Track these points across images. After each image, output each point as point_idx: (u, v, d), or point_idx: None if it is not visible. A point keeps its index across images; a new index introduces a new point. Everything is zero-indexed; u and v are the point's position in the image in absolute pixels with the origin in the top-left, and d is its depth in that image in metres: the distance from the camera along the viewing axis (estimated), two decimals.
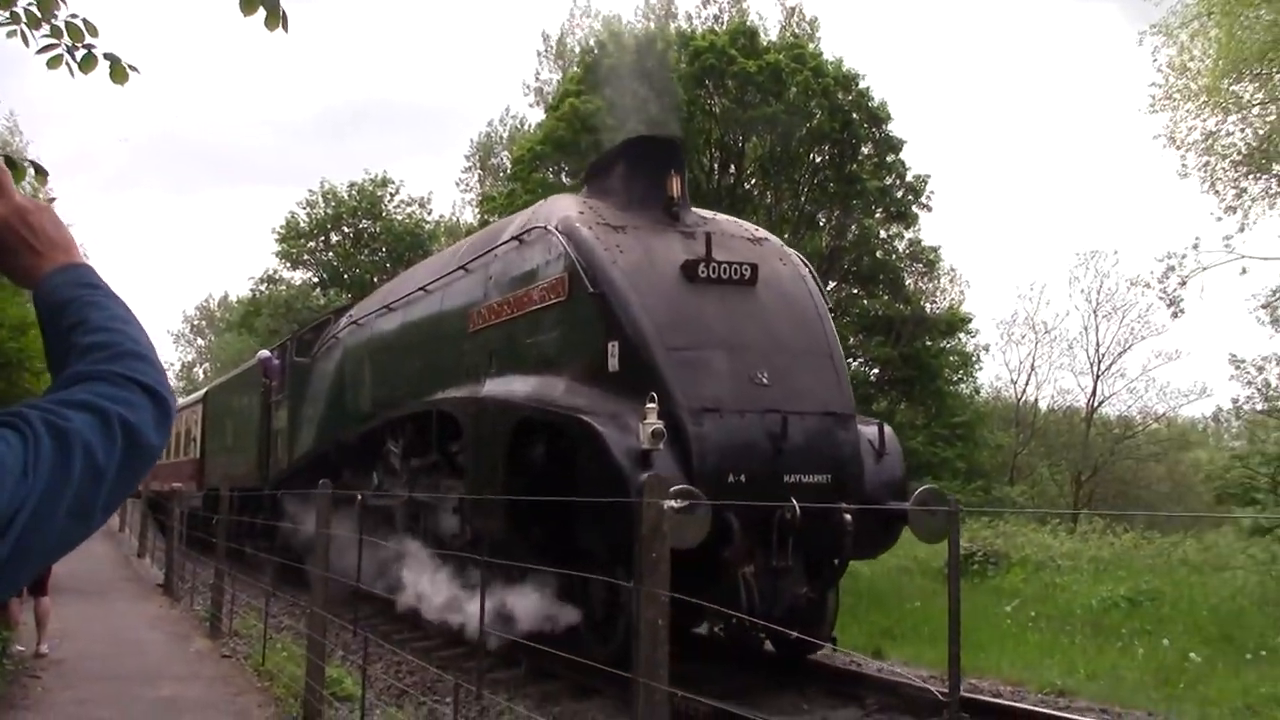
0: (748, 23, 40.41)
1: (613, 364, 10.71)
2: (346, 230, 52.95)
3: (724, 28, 41.49)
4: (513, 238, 12.65)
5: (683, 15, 49.57)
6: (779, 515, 10.07)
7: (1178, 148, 27.45)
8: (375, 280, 45.47)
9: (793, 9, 48.37)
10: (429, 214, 56.43)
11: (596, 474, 10.01)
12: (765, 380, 10.59)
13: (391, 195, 54.03)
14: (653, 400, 9.92)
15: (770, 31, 43.97)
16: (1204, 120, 26.89)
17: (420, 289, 15.28)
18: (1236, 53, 25.03)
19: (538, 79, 57.64)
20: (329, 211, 52.81)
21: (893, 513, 10.68)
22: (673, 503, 8.35)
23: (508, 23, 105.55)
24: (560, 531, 10.88)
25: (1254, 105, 26.52)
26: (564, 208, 12.22)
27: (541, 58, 58.20)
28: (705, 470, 10.08)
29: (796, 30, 45.81)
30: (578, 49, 50.64)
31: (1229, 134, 27.05)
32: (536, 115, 52.65)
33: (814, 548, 10.56)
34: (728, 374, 10.55)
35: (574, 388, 10.96)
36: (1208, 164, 26.99)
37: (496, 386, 12.42)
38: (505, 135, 61.72)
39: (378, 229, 52.75)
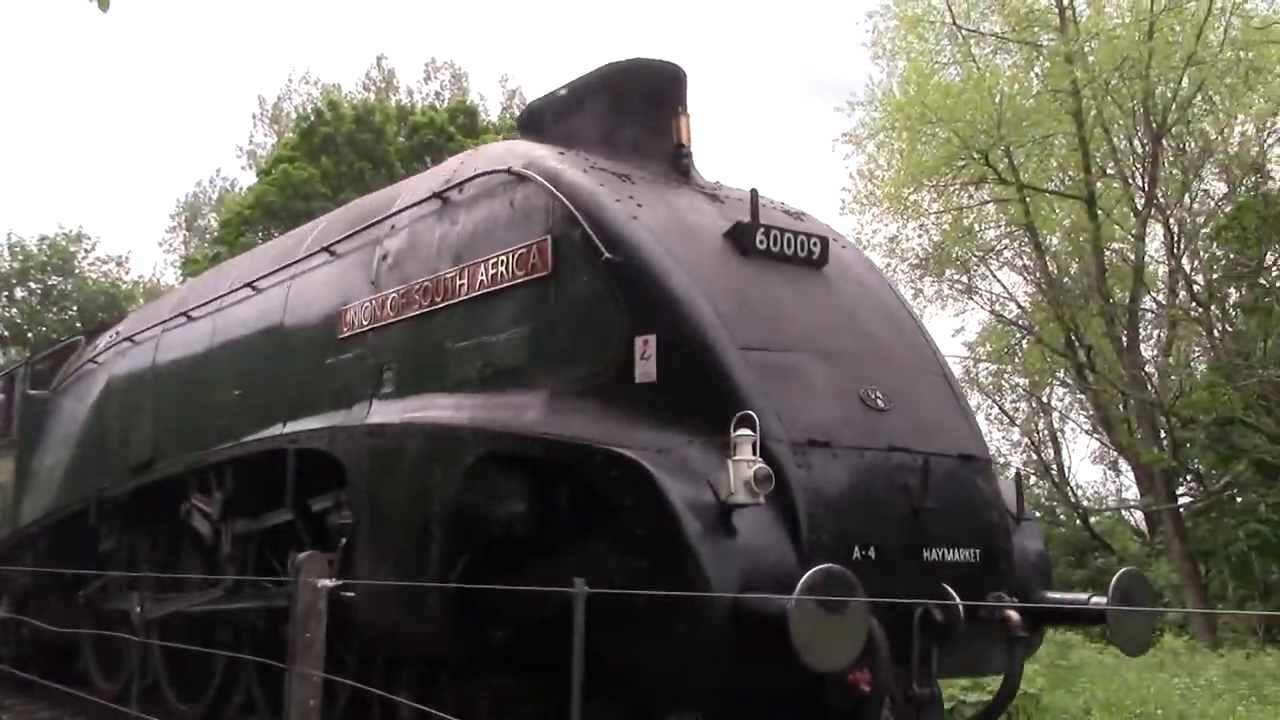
0: (468, 101, 40.57)
1: (644, 370, 6.47)
2: (34, 286, 49.42)
3: (445, 105, 41.29)
4: (434, 195, 8.29)
5: (403, 89, 49.40)
6: (919, 615, 6.52)
7: (864, 248, 27.31)
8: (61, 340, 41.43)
9: (514, 91, 49.25)
10: (126, 273, 53.78)
11: (639, 545, 5.90)
12: (881, 403, 6.86)
13: (86, 252, 51.10)
14: (748, 426, 6.19)
15: (491, 112, 44.36)
16: (887, 225, 29.85)
17: (246, 286, 10.94)
18: (916, 165, 28.28)
19: (251, 142, 56.20)
20: (15, 265, 49.19)
21: (1079, 612, 7.32)
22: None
23: (220, 83, 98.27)
24: (547, 640, 6.91)
25: (930, 214, 29.88)
26: (527, 149, 8.13)
27: (256, 120, 56.60)
28: (821, 541, 6.44)
29: (517, 112, 45.48)
30: (294, 114, 49.05)
31: (908, 239, 30.10)
32: (248, 178, 50.85)
33: (967, 662, 7.07)
34: (829, 390, 6.60)
35: (566, 408, 6.73)
36: (889, 265, 29.13)
37: (398, 411, 8.37)
38: (214, 196, 60.02)
39: (69, 286, 49.38)
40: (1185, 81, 25.95)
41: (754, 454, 5.82)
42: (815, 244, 7.44)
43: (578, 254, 6.98)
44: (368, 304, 8.74)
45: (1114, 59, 25.43)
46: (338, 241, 9.38)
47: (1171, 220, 28.48)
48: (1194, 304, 28.04)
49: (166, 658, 10.95)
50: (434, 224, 8.31)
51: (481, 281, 7.65)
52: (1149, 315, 30.34)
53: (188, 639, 10.22)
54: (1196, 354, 31.22)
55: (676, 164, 8.09)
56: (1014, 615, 6.39)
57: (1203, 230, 29.07)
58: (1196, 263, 29.36)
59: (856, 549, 6.09)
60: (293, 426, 9.31)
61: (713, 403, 6.23)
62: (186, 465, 10.61)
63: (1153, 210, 27.81)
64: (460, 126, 36.51)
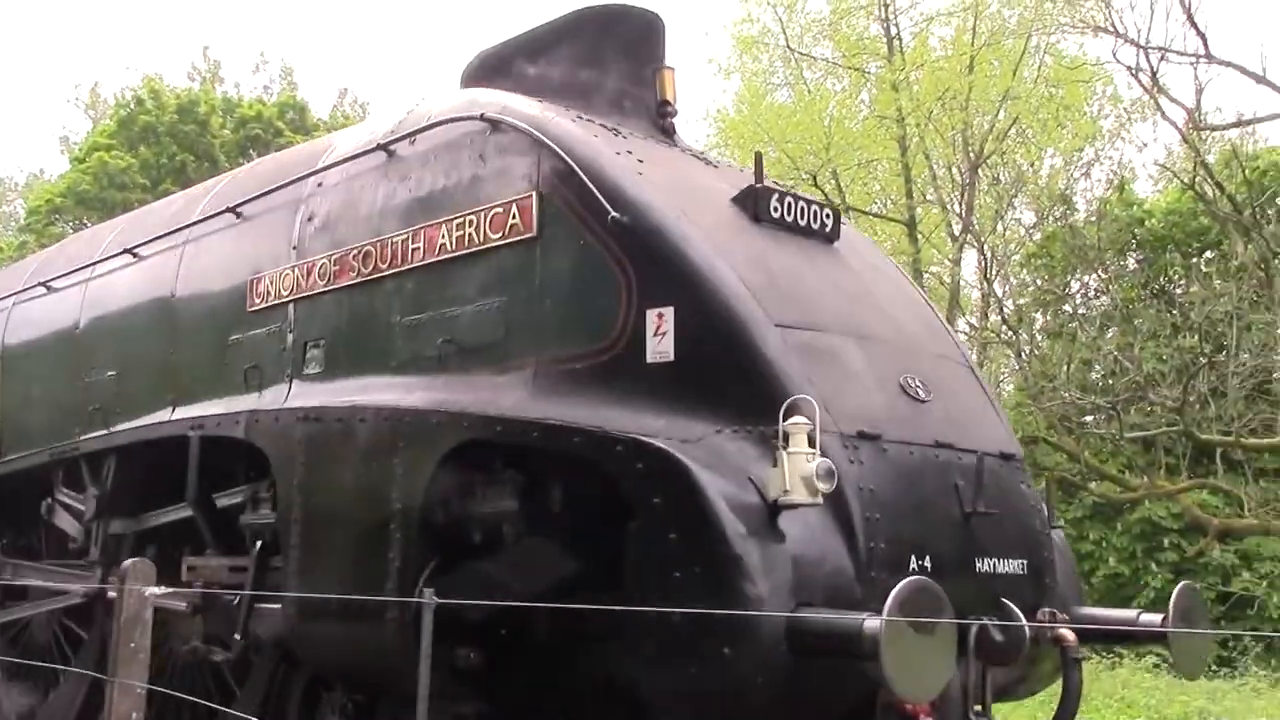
0: (297, 97, 39.39)
1: (658, 348, 5.49)
2: None
3: (274, 99, 40.06)
4: (379, 147, 7.10)
5: (230, 82, 47.29)
6: (974, 636, 5.64)
7: None
8: None
9: (344, 89, 47.44)
10: None
11: (670, 553, 4.90)
12: (923, 393, 5.93)
13: None
14: (803, 413, 5.25)
15: (321, 109, 42.59)
16: None
17: (125, 253, 9.50)
18: None
19: (64, 128, 54.00)
20: None
21: (1137, 632, 6.52)
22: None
23: (33, 66, 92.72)
24: (531, 663, 5.86)
25: None
26: (498, 96, 6.87)
27: (72, 106, 54.31)
28: (879, 549, 5.48)
29: (349, 110, 44.10)
30: (113, 101, 44.93)
31: None
32: (60, 165, 47.64)
33: (1010, 683, 6.23)
34: (871, 377, 5.74)
35: (555, 391, 5.70)
36: None
37: (329, 394, 7.18)
38: (20, 183, 55.76)
39: None
40: (1002, 114, 26.67)
41: (809, 445, 4.95)
42: (828, 216, 6.59)
43: (571, 213, 5.97)
44: (288, 272, 7.55)
45: (936, 90, 25.93)
46: (246, 202, 8.13)
47: (985, 246, 28.82)
48: (1004, 327, 28.47)
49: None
50: (377, 180, 7.16)
51: (442, 246, 6.56)
52: (963, 336, 30.38)
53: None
54: (1005, 375, 32.04)
55: (660, 123, 7.14)
56: (1070, 634, 5.66)
57: (1013, 257, 29.73)
58: (1007, 288, 29.99)
59: (913, 558, 5.26)
60: (185, 412, 8.03)
61: (746, 386, 5.31)
62: (52, 455, 9.16)
63: (969, 236, 28.24)
64: (289, 122, 34.94)
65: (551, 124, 6.28)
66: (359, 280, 7.03)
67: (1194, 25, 18.03)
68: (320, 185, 7.59)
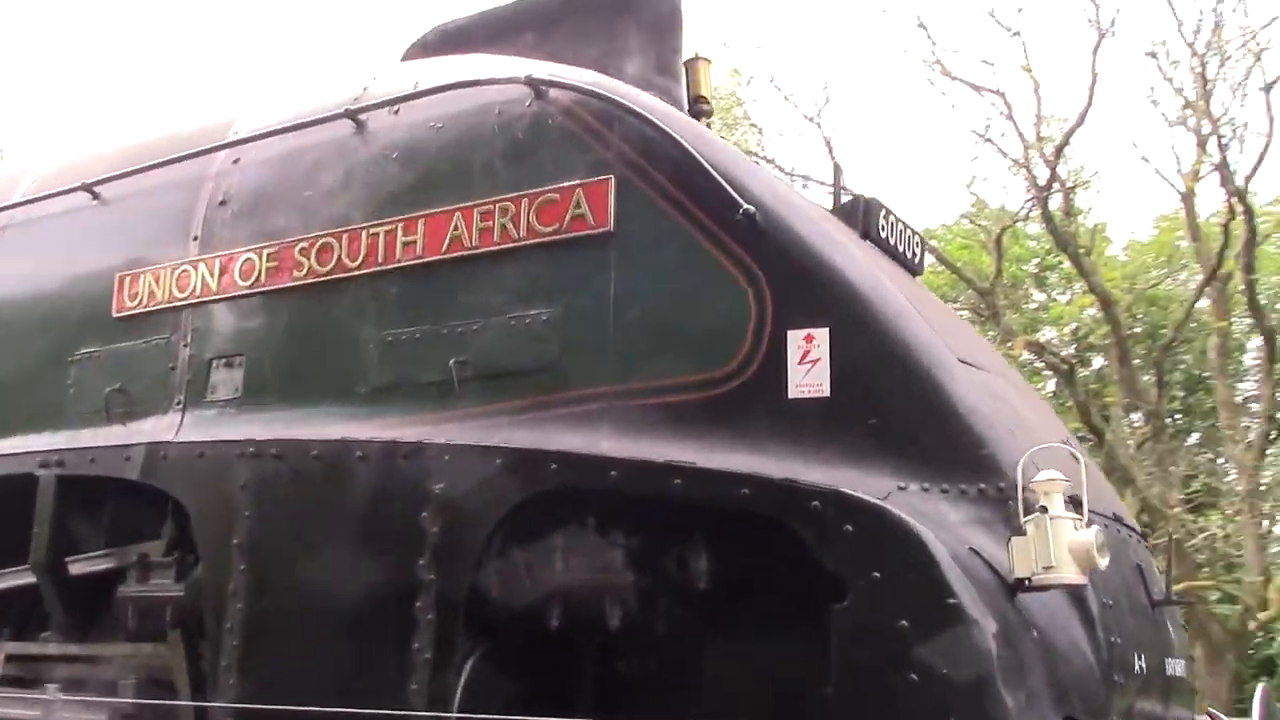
0: None
1: (806, 379, 4.16)
2: None
3: None
4: (346, 114, 5.36)
5: None
6: None
7: None
8: None
9: None
10: None
11: (898, 647, 3.66)
12: (1078, 453, 5.08)
13: None
14: (1052, 468, 4.00)
15: None
16: None
17: None
18: None
19: None
20: None
21: None
22: None
23: None
24: None
25: None
26: (531, 64, 5.15)
27: None
28: (1116, 645, 4.20)
29: None
30: None
31: None
32: None
33: None
34: (1042, 428, 4.72)
35: (642, 433, 4.27)
36: None
37: (256, 429, 5.37)
38: None
39: None
40: None
41: (1074, 509, 3.82)
42: (918, 244, 5.57)
43: (668, 204, 4.59)
44: (184, 269, 5.75)
45: None
46: (109, 180, 6.24)
47: None
48: None
49: None
50: (338, 156, 5.46)
51: (456, 240, 5.04)
52: None
53: None
54: None
55: (696, 118, 5.93)
56: None
57: None
58: None
59: (1136, 657, 4.21)
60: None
61: (938, 433, 4.10)
62: None
63: None
64: None
65: (627, 92, 4.95)
66: (309, 281, 5.35)
67: None
68: (238, 162, 5.84)
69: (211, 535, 4.96)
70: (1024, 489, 3.81)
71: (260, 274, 5.48)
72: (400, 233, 5.14)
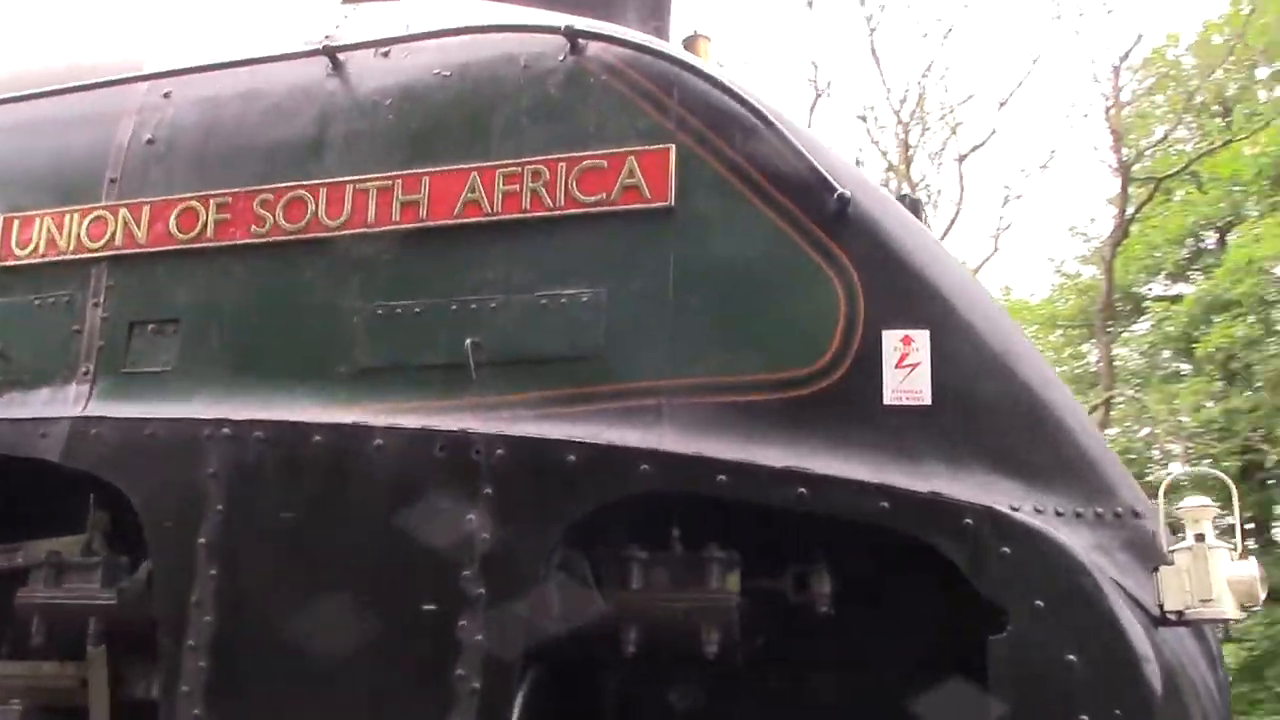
0: None
1: (906, 385, 3.73)
2: None
3: None
4: (322, 51, 4.59)
5: None
6: None
7: None
8: None
9: None
10: None
11: (1068, 685, 3.29)
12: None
13: None
14: (1197, 495, 3.65)
15: None
16: None
17: None
18: None
19: None
20: None
21: None
22: None
23: None
24: None
25: None
26: (552, 15, 4.49)
27: None
28: (1224, 678, 4.00)
29: None
30: None
31: None
32: None
33: None
34: None
35: (709, 434, 3.76)
36: None
37: (188, 407, 4.41)
38: None
39: None
40: None
41: (1218, 539, 3.54)
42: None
43: (739, 181, 4.08)
44: (100, 215, 4.80)
45: None
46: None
47: None
48: None
49: None
50: (307, 99, 4.63)
51: (474, 204, 4.36)
52: None
53: None
54: None
55: None
56: None
57: None
58: None
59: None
60: None
61: (1059, 453, 3.78)
62: None
63: None
64: None
65: (690, 61, 4.40)
66: (273, 238, 4.54)
67: None
68: (169, 96, 4.94)
69: (166, 532, 4.08)
70: (1165, 515, 3.52)
71: (206, 227, 4.62)
72: (399, 190, 4.42)
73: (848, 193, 3.94)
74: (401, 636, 3.74)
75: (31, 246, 4.85)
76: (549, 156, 4.28)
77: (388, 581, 3.79)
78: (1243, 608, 3.44)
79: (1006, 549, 3.39)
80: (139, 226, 4.70)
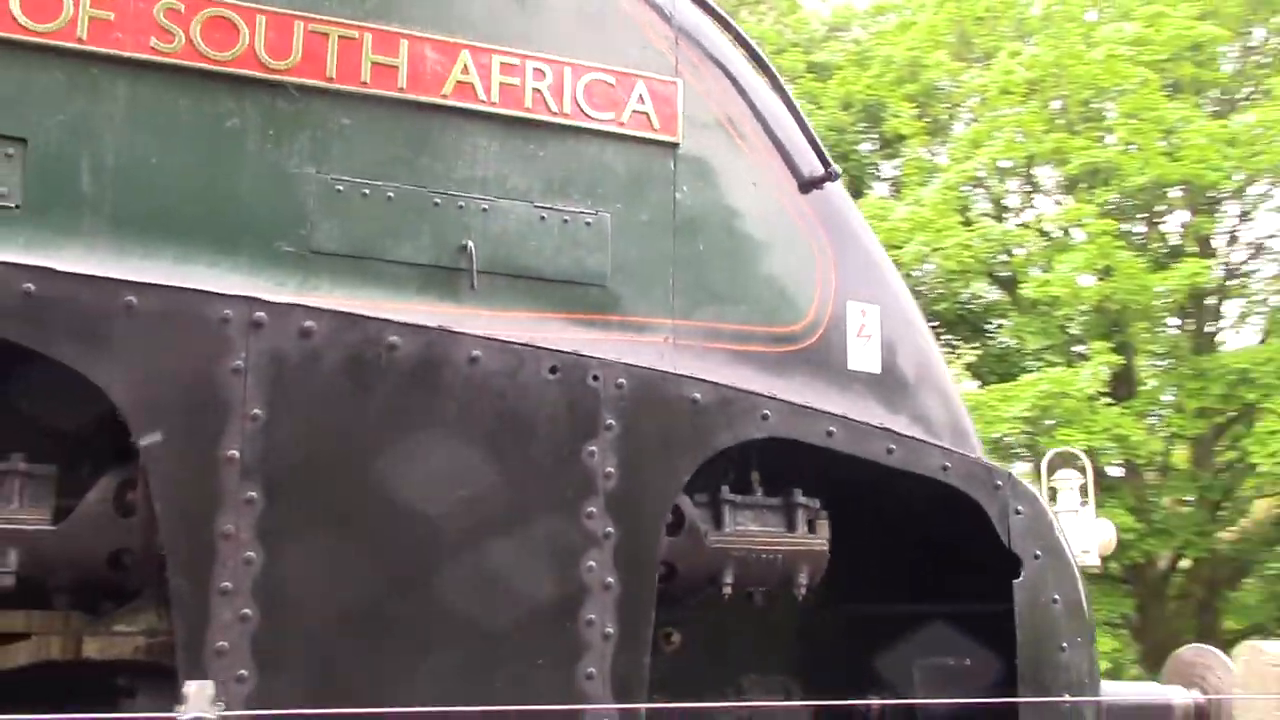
0: None
1: (863, 352, 4.04)
2: None
3: None
4: None
5: None
6: None
7: None
8: None
9: None
10: None
11: (1055, 623, 3.92)
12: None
13: None
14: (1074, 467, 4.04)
15: None
16: None
17: None
18: None
19: None
20: None
21: None
22: None
23: None
24: None
25: None
26: None
27: None
28: None
29: None
30: None
31: None
32: None
33: None
34: None
35: (715, 375, 3.72)
36: None
37: (34, 256, 2.98)
38: None
39: None
40: None
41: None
42: None
43: (736, 137, 4.02)
44: None
45: None
46: None
47: None
48: None
49: None
50: None
51: (465, 88, 3.71)
52: None
53: None
54: None
55: None
56: None
57: None
58: None
59: None
60: None
61: (956, 429, 4.32)
62: None
63: None
64: None
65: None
66: (184, 62, 3.44)
67: None
68: None
69: (169, 439, 2.93)
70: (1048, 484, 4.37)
71: (75, 20, 3.38)
72: (369, 46, 3.66)
73: (838, 171, 4.20)
74: (514, 580, 3.20)
75: None
76: (555, 57, 3.90)
77: (492, 516, 3.21)
78: (1102, 559, 4.41)
79: (1020, 508, 3.97)
80: None
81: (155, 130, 3.40)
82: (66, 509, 3.06)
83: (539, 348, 3.42)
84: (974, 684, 3.95)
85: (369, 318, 3.26)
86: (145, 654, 3.17)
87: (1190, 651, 4.51)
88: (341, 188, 3.53)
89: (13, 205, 3.22)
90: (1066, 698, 3.84)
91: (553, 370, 3.41)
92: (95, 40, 3.38)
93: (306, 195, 3.48)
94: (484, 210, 3.67)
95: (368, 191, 3.55)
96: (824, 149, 4.18)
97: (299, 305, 3.20)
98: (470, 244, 3.60)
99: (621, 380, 3.48)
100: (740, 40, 4.18)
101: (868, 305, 4.20)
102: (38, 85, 3.31)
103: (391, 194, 3.58)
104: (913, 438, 3.95)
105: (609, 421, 3.42)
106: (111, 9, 3.40)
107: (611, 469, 3.38)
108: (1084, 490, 5.21)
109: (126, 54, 3.41)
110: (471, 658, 3.15)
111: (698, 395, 3.57)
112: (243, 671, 2.93)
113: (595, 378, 3.45)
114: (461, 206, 3.64)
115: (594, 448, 3.38)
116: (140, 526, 3.04)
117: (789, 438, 3.71)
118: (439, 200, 3.63)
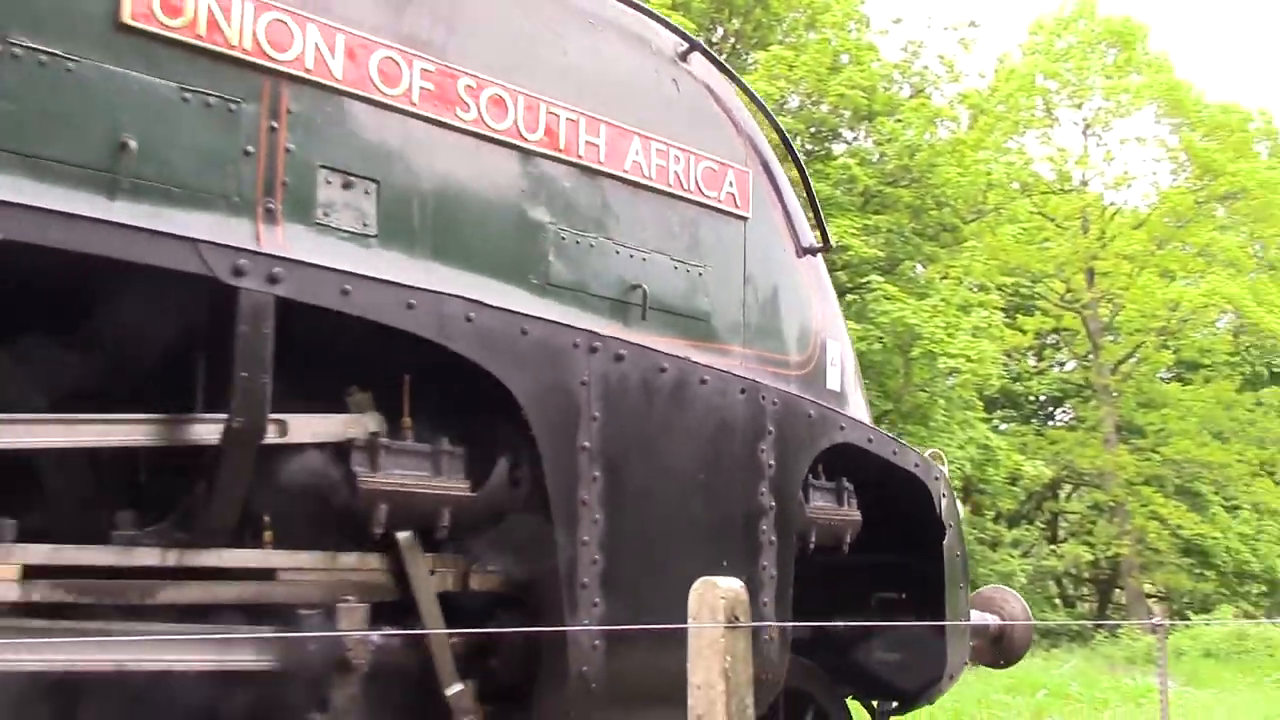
0: None
1: (835, 378, 5.55)
2: None
3: None
4: None
5: None
6: None
7: None
8: None
9: None
10: None
11: (962, 569, 5.82)
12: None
13: None
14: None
15: None
16: None
17: None
18: None
19: None
20: None
21: None
22: None
23: None
24: None
25: None
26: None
27: None
28: None
29: None
30: None
31: None
32: None
33: None
34: None
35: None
36: None
37: (392, 272, 3.84)
38: None
39: None
40: None
41: None
42: None
43: (779, 216, 5.48)
44: (278, 18, 3.90)
45: None
46: None
47: None
48: None
49: None
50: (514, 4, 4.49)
51: (635, 164, 4.84)
52: None
53: None
54: None
55: None
56: None
57: None
58: None
59: None
60: None
61: (880, 441, 6.01)
62: None
63: None
64: None
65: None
66: (475, 129, 4.36)
67: None
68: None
69: (554, 432, 3.93)
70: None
71: (410, 88, 4.24)
72: (583, 127, 4.79)
73: (833, 243, 5.81)
74: (729, 537, 4.51)
75: (185, 19, 3.79)
76: (683, 146, 5.19)
77: (714, 491, 4.48)
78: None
79: (944, 492, 5.78)
80: (332, 54, 4.07)
81: (454, 178, 4.36)
82: (477, 481, 4.03)
83: (734, 375, 4.76)
84: (902, 612, 5.72)
85: (649, 349, 4.46)
86: (504, 588, 4.18)
87: (989, 589, 6.59)
88: (564, 235, 4.65)
89: (372, 233, 4.10)
90: (972, 620, 5.69)
91: (741, 391, 4.77)
92: (424, 106, 4.28)
93: (544, 239, 4.57)
94: (644, 260, 4.91)
95: (579, 241, 4.69)
96: (825, 225, 5.75)
97: (614, 337, 4.35)
98: (644, 286, 4.83)
99: (775, 400, 4.89)
100: (783, 139, 5.64)
101: (833, 340, 5.83)
102: (387, 136, 4.18)
103: (593, 244, 4.74)
104: (903, 443, 5.65)
105: (770, 428, 4.82)
106: (433, 82, 4.31)
107: (772, 462, 4.79)
108: None
109: (443, 119, 4.34)
110: (712, 566, 4.42)
111: (811, 412, 5.06)
112: (596, 599, 4.08)
113: (763, 397, 4.84)
114: (632, 256, 4.86)
115: (763, 446, 4.77)
116: (523, 495, 4.09)
117: (853, 443, 5.29)
118: (619, 250, 4.83)
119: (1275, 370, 34.75)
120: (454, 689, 3.93)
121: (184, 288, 3.45)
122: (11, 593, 3.20)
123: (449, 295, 3.98)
